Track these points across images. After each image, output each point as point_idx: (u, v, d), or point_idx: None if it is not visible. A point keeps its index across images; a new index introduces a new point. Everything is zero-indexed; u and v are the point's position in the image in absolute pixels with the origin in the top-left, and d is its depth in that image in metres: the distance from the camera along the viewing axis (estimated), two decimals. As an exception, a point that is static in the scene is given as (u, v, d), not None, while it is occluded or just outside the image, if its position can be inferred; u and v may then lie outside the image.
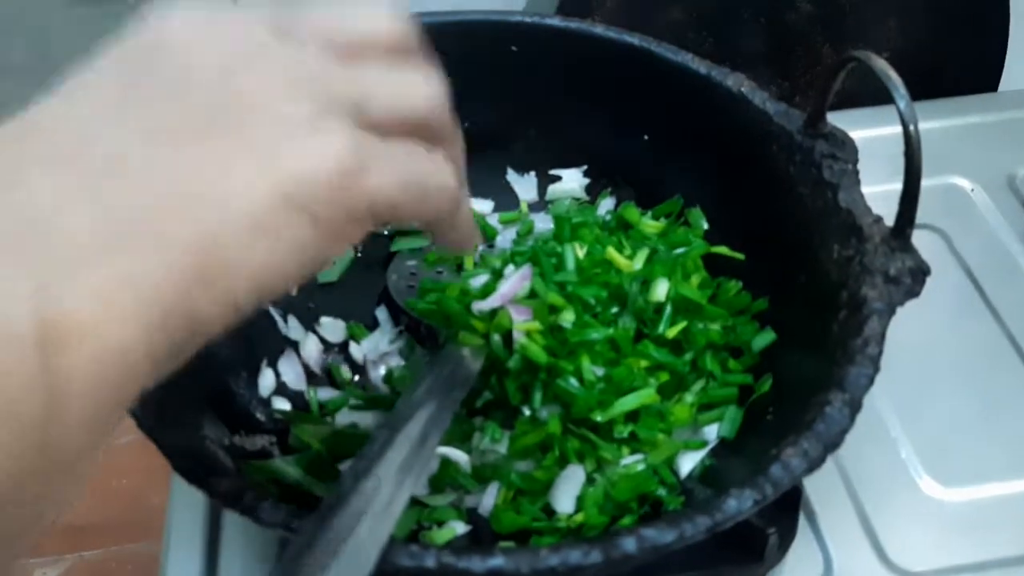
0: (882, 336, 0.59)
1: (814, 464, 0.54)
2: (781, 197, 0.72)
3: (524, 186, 0.88)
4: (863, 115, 0.95)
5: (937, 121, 1.02)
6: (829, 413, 0.56)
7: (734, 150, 0.76)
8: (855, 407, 0.56)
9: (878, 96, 1.08)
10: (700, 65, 0.76)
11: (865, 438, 0.75)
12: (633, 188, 0.85)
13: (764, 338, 0.72)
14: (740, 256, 0.76)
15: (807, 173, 0.69)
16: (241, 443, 0.66)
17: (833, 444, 0.55)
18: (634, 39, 0.78)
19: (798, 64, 1.11)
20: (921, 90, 1.07)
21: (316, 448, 0.67)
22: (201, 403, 0.65)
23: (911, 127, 0.59)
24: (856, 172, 0.68)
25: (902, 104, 0.59)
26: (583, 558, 0.49)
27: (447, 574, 0.49)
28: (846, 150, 0.69)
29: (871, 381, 0.57)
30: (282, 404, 0.73)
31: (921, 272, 0.62)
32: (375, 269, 0.82)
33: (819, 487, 0.74)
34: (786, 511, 0.69)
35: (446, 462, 0.67)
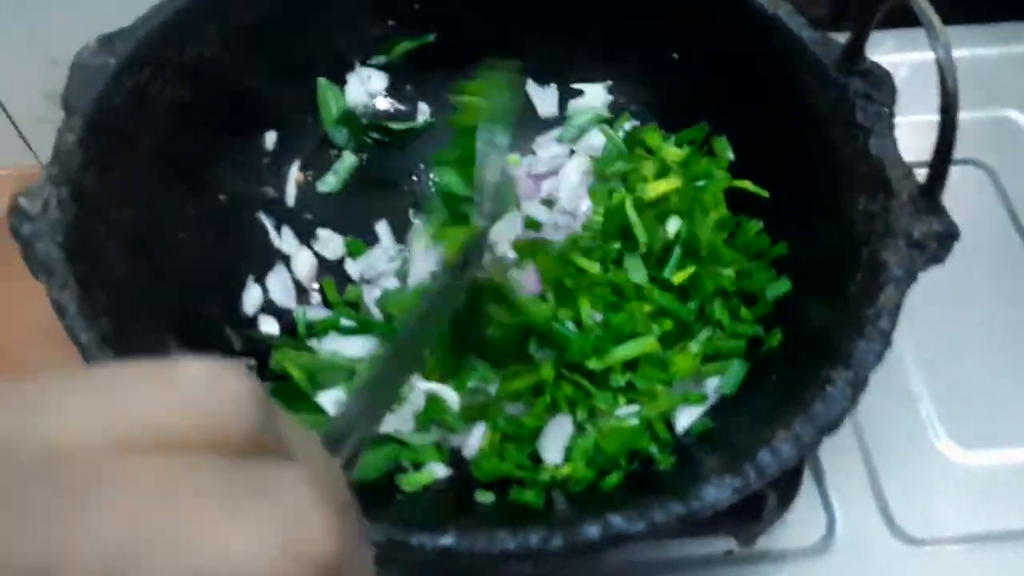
0: (897, 307, 0.53)
1: (805, 451, 0.50)
2: (811, 135, 0.66)
3: (544, 98, 0.81)
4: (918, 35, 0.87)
5: (991, 48, 0.92)
6: (830, 393, 0.51)
7: (765, 77, 0.69)
8: (859, 386, 0.51)
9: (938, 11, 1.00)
10: (735, -18, 0.69)
11: (884, 391, 0.70)
12: (658, 110, 0.79)
13: (779, 287, 0.66)
14: (764, 192, 0.70)
15: (840, 112, 0.63)
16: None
17: (830, 427, 0.51)
18: (667, -49, 0.71)
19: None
20: (976, 13, 0.98)
21: (296, 376, 0.63)
22: (164, 332, 0.61)
23: (949, 81, 0.52)
24: (891, 116, 0.61)
25: (941, 53, 0.52)
26: (543, 544, 0.45)
27: (396, 548, 0.45)
28: (883, 90, 0.62)
29: (880, 358, 0.52)
30: (269, 326, 0.69)
31: (949, 236, 0.56)
32: (379, 183, 0.78)
33: (828, 440, 0.70)
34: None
35: (433, 398, 0.63)
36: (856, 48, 0.62)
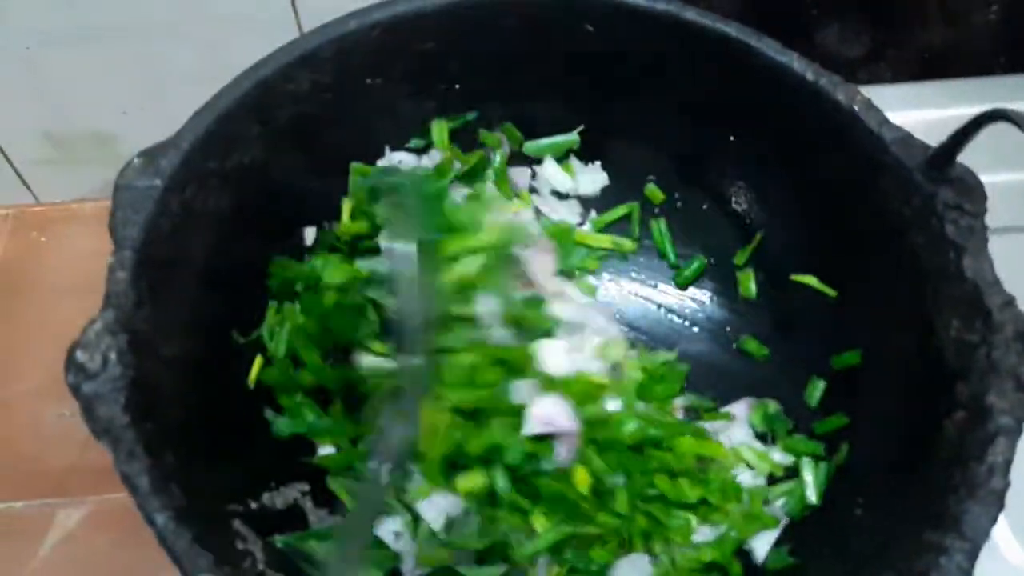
0: (1009, 464, 0.50)
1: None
2: (889, 241, 0.62)
3: (587, 177, 0.77)
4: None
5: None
6: (946, 567, 0.48)
7: (839, 175, 0.65)
8: (975, 556, 0.48)
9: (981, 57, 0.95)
10: (807, 69, 0.65)
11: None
12: (712, 199, 0.75)
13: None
14: (831, 292, 0.67)
15: (925, 222, 0.60)
16: (272, 501, 0.59)
17: (949, 606, 0.48)
18: (731, 28, 0.66)
19: (897, 12, 0.97)
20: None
21: (350, 507, 0.60)
22: (230, 479, 0.58)
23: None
24: (984, 229, 0.58)
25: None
26: None
27: None
28: (974, 199, 0.59)
29: (994, 522, 0.49)
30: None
31: (1059, 377, 0.52)
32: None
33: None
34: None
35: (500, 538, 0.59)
36: (948, 155, 0.59)
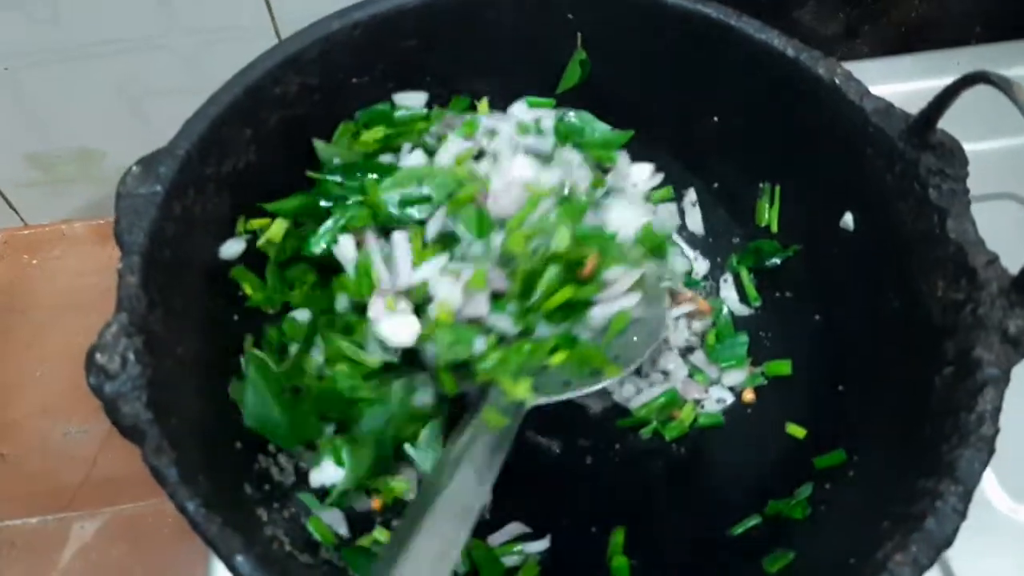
0: (998, 411, 0.55)
1: (923, 570, 0.52)
2: (875, 209, 0.68)
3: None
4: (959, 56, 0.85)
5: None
6: (941, 509, 0.53)
7: (823, 147, 0.71)
8: (968, 499, 0.53)
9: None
10: (788, 46, 0.70)
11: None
12: (702, 180, 0.81)
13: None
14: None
15: (909, 188, 0.64)
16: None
17: (946, 543, 0.53)
18: (710, 9, 0.72)
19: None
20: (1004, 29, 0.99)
21: None
22: (241, 461, 0.63)
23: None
24: (966, 192, 0.63)
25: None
26: None
27: None
28: (955, 163, 0.64)
29: (985, 467, 0.54)
30: None
31: (1043, 329, 0.57)
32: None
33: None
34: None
35: None
36: (928, 122, 0.63)
